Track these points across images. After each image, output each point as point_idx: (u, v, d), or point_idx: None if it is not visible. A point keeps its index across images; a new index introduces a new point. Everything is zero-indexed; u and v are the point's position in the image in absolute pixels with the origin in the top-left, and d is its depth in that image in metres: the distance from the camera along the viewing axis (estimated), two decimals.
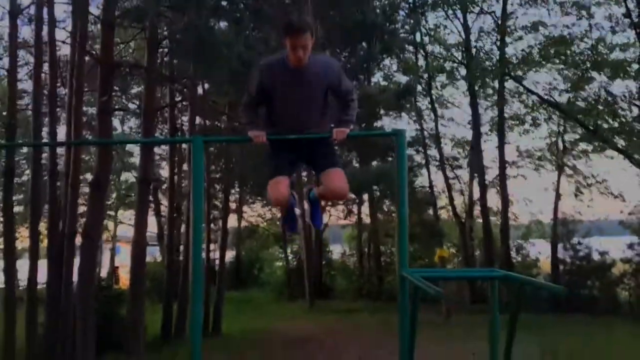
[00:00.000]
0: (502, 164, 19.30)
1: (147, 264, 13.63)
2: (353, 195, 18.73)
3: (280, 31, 3.73)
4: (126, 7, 11.21)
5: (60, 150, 13.29)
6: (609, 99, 16.67)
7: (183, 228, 15.96)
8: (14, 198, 13.83)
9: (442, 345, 11.01)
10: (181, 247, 15.89)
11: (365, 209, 22.45)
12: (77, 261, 10.16)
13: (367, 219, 22.57)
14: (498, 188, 19.68)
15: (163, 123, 18.04)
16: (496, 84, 18.51)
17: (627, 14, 15.75)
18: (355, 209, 22.31)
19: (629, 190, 18.83)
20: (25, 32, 18.14)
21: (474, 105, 20.12)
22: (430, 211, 21.19)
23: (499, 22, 18.22)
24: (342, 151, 15.29)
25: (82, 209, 13.63)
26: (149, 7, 9.36)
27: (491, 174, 20.39)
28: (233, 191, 20.39)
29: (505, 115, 19.59)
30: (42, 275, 12.43)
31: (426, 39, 20.96)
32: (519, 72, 17.75)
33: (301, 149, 3.42)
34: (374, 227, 21.76)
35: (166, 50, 13.94)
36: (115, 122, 22.20)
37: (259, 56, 9.13)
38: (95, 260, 10.02)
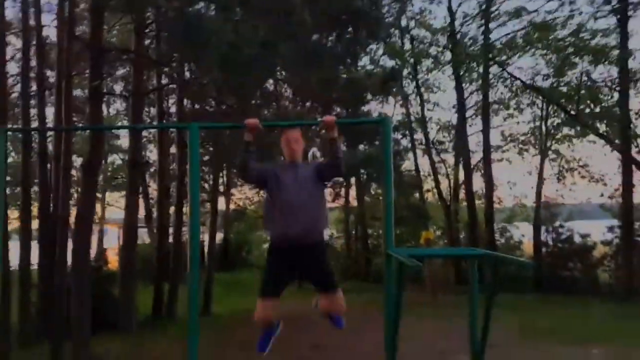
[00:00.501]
0: (487, 147, 19.47)
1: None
2: (341, 179, 18.90)
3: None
4: None
5: (50, 133, 13.34)
6: (590, 84, 16.96)
7: (172, 210, 16.10)
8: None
9: (428, 322, 11.51)
10: (170, 229, 16.04)
11: (353, 192, 22.69)
12: (69, 243, 10.31)
13: (354, 202, 22.82)
14: (483, 172, 19.98)
15: (149, 105, 18.03)
16: (481, 69, 18.70)
17: (607, 0, 15.93)
18: (342, 192, 22.52)
19: (609, 174, 19.13)
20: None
21: (459, 89, 20.30)
22: (417, 194, 21.56)
23: (484, 7, 18.32)
24: None
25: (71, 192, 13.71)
26: None
27: (476, 157, 20.61)
28: (221, 174, 20.48)
29: (490, 99, 19.83)
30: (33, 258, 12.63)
31: (412, 23, 21.14)
32: (504, 57, 17.95)
33: (301, 258, 3.62)
34: (361, 210, 21.97)
35: (153, 33, 13.95)
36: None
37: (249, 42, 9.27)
38: (89, 242, 10.17)
